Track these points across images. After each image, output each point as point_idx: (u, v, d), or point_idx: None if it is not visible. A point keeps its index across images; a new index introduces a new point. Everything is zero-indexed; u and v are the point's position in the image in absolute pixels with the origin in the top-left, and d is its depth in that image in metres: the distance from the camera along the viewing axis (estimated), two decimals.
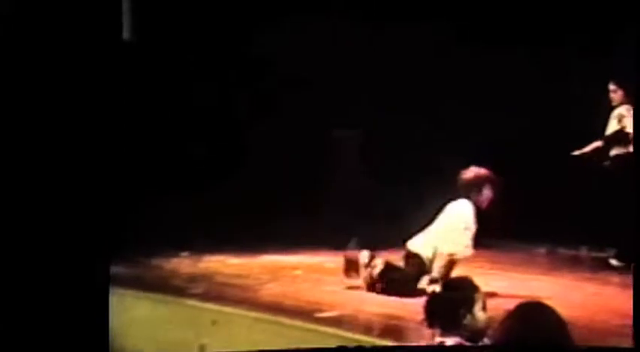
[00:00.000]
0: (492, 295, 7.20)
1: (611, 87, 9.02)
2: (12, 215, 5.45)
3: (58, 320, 5.42)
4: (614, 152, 8.98)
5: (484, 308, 4.62)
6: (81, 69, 5.55)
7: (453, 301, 4.60)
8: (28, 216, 5.51)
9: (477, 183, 7.62)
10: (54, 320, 5.43)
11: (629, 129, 8.87)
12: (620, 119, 8.92)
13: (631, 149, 8.84)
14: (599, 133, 9.13)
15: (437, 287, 4.73)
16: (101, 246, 5.59)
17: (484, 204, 7.62)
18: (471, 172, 7.65)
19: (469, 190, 7.62)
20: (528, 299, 4.03)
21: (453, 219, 7.67)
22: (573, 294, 7.71)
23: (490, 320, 4.53)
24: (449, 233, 7.64)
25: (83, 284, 5.49)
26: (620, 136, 8.90)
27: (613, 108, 9.03)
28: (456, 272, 7.32)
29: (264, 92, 10.21)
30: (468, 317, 4.54)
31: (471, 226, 7.59)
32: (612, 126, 8.99)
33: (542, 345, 3.75)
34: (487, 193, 7.61)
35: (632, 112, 8.90)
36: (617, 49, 9.01)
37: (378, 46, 10.13)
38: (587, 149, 9.14)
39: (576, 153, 9.16)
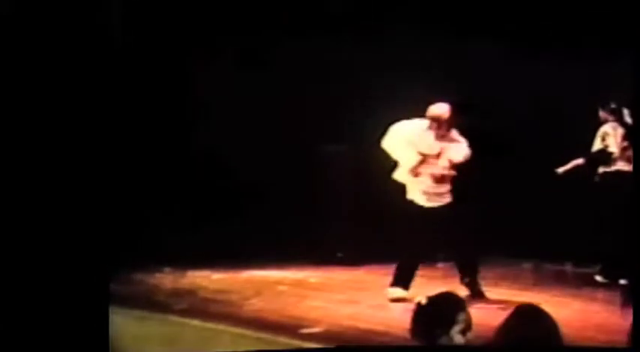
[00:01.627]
0: (479, 310, 7.22)
1: (600, 106, 8.99)
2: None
3: (54, 340, 5.39)
4: (601, 169, 8.94)
5: (464, 332, 4.47)
6: (70, 75, 5.53)
7: (432, 317, 4.50)
8: (21, 232, 5.48)
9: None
10: (50, 339, 5.39)
11: (612, 148, 8.83)
12: (603, 137, 8.89)
13: (617, 167, 8.82)
14: (585, 149, 9.10)
15: (423, 299, 4.57)
16: (99, 262, 5.55)
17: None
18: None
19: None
20: (527, 303, 4.01)
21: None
22: (559, 310, 7.64)
23: (470, 342, 4.43)
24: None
25: (81, 302, 5.46)
26: (602, 155, 8.87)
27: (601, 123, 9.00)
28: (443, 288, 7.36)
29: (252, 107, 10.17)
30: (444, 338, 4.43)
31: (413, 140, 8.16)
32: (596, 145, 8.96)
33: (539, 346, 3.75)
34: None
35: (618, 130, 8.87)
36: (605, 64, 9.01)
37: (365, 62, 10.10)
38: (569, 166, 9.12)
39: (560, 170, 9.14)
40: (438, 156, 8.19)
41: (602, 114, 8.99)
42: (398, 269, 8.14)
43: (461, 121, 8.34)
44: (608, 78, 9.00)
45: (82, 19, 5.51)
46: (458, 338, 4.38)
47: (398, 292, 8.02)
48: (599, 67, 9.20)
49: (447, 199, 8.16)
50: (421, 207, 8.14)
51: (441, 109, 8.18)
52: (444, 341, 4.39)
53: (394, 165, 8.25)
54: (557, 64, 9.62)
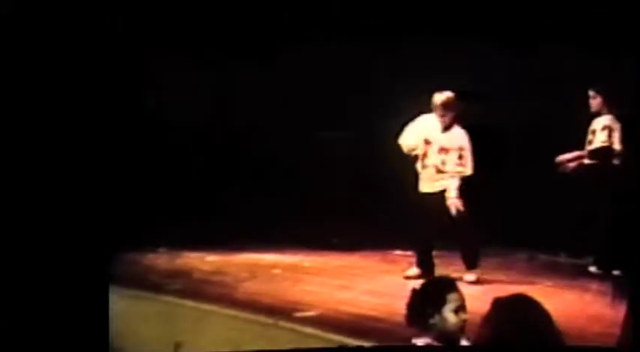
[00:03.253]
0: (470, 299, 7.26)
1: (591, 93, 8.88)
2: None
3: (54, 320, 5.42)
4: (598, 162, 8.88)
5: (458, 311, 4.54)
6: (73, 69, 5.55)
7: (424, 298, 4.57)
8: (22, 215, 5.51)
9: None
10: (48, 319, 5.43)
11: (617, 145, 8.78)
12: (609, 133, 8.80)
13: (614, 161, 8.77)
14: (578, 139, 9.06)
15: (417, 285, 4.67)
16: (99, 243, 5.59)
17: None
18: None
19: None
20: (511, 294, 3.97)
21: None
22: (552, 300, 7.65)
23: (464, 323, 4.49)
24: None
25: (80, 283, 5.50)
26: (606, 152, 8.79)
27: (593, 115, 8.94)
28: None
29: (251, 93, 10.15)
30: (436, 317, 4.50)
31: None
32: (600, 138, 8.85)
33: (530, 339, 3.73)
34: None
35: (617, 125, 8.81)
36: (600, 55, 8.94)
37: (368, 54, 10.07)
38: (570, 156, 9.06)
39: (559, 158, 9.10)
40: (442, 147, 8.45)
41: (592, 102, 8.90)
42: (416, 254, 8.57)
43: (464, 112, 8.55)
44: (607, 72, 8.95)
45: (82, 19, 5.52)
46: (451, 317, 4.47)
47: (412, 271, 8.41)
48: (600, 63, 9.13)
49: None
50: (422, 194, 8.45)
51: (445, 96, 8.42)
52: (436, 320, 4.46)
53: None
54: (557, 60, 9.58)
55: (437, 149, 8.45)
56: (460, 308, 4.53)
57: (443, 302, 4.50)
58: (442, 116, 8.42)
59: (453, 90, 8.49)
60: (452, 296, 4.53)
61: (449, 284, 4.63)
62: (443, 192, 8.34)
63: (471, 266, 8.42)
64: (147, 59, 9.87)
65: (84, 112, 5.63)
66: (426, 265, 8.43)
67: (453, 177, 8.36)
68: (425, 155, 8.50)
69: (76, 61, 5.51)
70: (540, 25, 9.42)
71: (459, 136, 8.48)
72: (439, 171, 8.43)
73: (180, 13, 9.65)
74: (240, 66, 10.22)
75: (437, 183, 8.42)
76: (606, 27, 8.70)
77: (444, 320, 4.49)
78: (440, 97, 8.44)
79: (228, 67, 10.28)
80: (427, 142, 8.49)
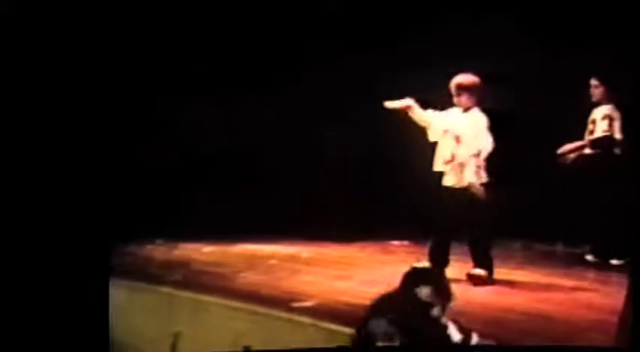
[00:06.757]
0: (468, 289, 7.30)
1: (593, 82, 8.79)
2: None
3: (54, 312, 5.45)
4: (596, 151, 8.86)
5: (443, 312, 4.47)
6: (73, 69, 5.57)
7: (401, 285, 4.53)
8: (22, 207, 5.54)
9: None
10: (48, 312, 5.46)
11: (618, 134, 8.75)
12: (610, 122, 8.76)
13: (615, 151, 8.74)
14: (575, 129, 9.04)
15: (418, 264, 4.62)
16: (97, 235, 5.63)
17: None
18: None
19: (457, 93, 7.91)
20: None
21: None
22: (549, 290, 7.71)
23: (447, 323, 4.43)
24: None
25: (79, 276, 5.53)
26: (607, 141, 8.75)
27: (594, 104, 8.91)
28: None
29: (252, 87, 10.14)
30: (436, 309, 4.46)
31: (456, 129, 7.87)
32: (601, 127, 8.78)
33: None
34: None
35: (617, 114, 8.78)
36: (601, 43, 8.88)
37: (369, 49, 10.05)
38: (571, 147, 9.00)
39: (561, 149, 9.03)
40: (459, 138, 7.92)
41: (594, 91, 8.85)
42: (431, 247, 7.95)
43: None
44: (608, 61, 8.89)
45: (82, 19, 5.54)
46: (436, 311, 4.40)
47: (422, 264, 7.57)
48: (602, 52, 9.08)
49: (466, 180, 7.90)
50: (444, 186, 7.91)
51: (466, 78, 7.92)
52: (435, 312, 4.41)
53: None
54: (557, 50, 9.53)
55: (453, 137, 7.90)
56: (443, 312, 4.44)
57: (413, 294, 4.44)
58: (460, 99, 7.86)
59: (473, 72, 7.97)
60: (422, 291, 4.46)
61: (423, 278, 4.53)
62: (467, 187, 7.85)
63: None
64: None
65: (81, 109, 5.65)
66: (439, 259, 7.82)
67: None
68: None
69: (75, 62, 5.54)
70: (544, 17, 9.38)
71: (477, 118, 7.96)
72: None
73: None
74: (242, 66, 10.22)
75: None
76: (609, 17, 8.66)
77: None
78: (456, 78, 7.88)
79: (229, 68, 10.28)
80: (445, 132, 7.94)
